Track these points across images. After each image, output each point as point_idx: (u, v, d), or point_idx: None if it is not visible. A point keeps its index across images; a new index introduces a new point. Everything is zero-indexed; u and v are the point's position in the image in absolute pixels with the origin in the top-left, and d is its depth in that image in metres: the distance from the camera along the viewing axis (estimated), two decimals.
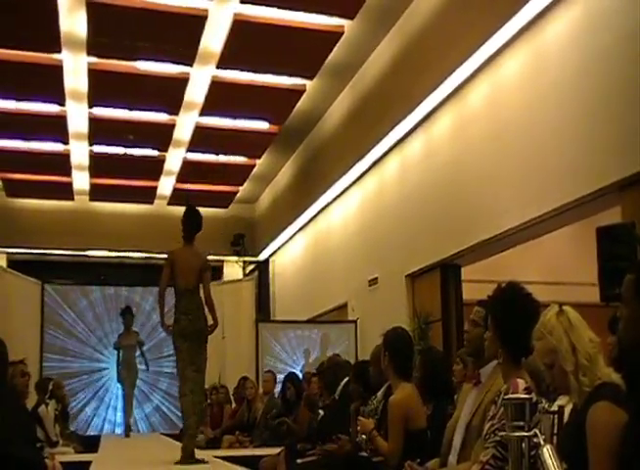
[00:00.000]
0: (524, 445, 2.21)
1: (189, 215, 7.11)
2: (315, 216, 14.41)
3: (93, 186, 15.83)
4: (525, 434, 2.20)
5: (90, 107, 12.07)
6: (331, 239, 13.66)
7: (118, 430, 12.46)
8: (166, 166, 14.93)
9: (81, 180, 15.58)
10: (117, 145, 13.82)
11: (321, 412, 7.36)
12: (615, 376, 2.72)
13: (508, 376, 3.27)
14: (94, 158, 14.27)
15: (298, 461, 6.06)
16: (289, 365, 12.30)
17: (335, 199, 13.25)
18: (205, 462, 6.05)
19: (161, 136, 13.28)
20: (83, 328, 12.84)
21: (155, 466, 6.65)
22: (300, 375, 9.86)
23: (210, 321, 6.41)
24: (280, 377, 10.07)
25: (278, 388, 9.71)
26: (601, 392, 2.66)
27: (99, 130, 12.89)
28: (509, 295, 3.39)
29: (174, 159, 14.56)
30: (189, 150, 13.98)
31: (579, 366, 2.71)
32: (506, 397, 2.31)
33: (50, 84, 11.18)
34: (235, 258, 17.53)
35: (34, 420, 8.15)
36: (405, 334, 5.05)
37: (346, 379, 6.75)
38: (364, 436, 4.76)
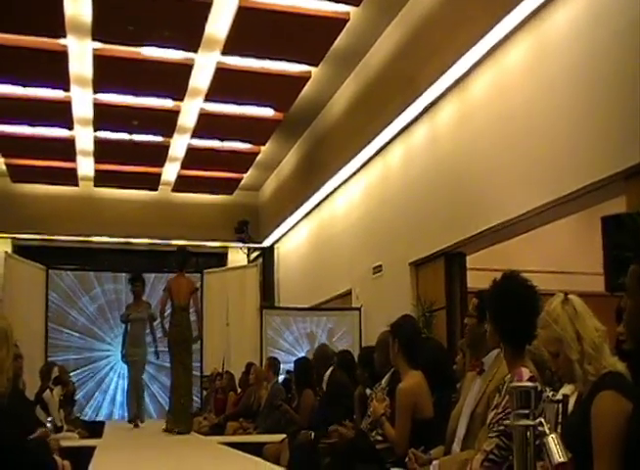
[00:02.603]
0: (528, 433, 2.21)
1: (180, 254, 8.86)
2: (319, 204, 14.41)
3: (98, 172, 15.84)
4: (530, 422, 2.20)
5: (95, 92, 12.06)
6: (335, 226, 13.67)
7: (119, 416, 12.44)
8: (171, 153, 14.92)
9: (86, 166, 15.59)
10: (122, 131, 13.82)
11: None
12: (620, 365, 2.73)
13: (512, 365, 3.28)
14: (99, 143, 14.27)
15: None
16: (294, 351, 12.33)
17: (339, 186, 13.25)
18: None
19: (166, 122, 13.27)
20: (86, 314, 12.81)
21: (160, 451, 6.69)
22: None
23: (196, 332, 8.57)
24: (285, 362, 10.14)
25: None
26: (606, 381, 2.67)
27: (103, 116, 12.89)
28: (505, 287, 3.39)
29: (179, 145, 14.56)
30: (193, 136, 13.97)
31: (585, 355, 2.72)
32: (511, 385, 2.30)
33: (55, 70, 11.17)
34: (239, 245, 17.54)
35: (37, 405, 8.21)
36: (415, 322, 5.11)
37: (331, 369, 6.78)
38: (368, 424, 4.78)
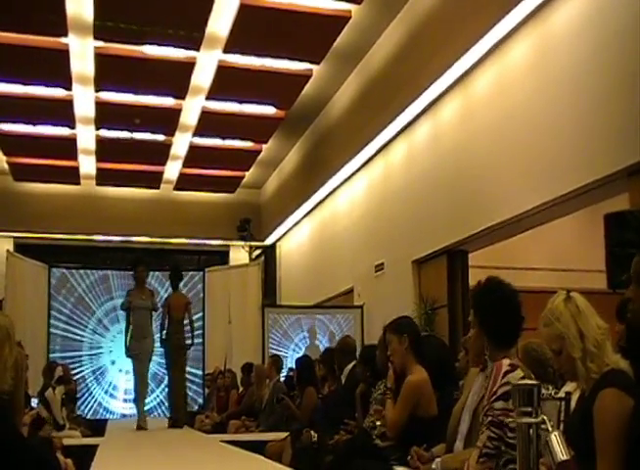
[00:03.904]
0: (531, 431, 2.21)
1: (174, 273, 9.48)
2: (321, 202, 14.40)
3: (99, 170, 15.83)
4: (534, 420, 2.20)
5: (97, 91, 12.05)
6: (337, 224, 13.66)
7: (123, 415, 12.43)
8: (173, 151, 14.92)
9: (88, 164, 15.59)
10: (124, 129, 13.81)
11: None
12: (622, 363, 2.72)
13: (494, 359, 3.37)
14: (100, 142, 14.27)
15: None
16: (296, 349, 12.34)
17: (341, 184, 13.23)
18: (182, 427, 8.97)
19: (168, 120, 13.26)
20: (87, 312, 12.79)
21: (162, 449, 6.69)
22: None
23: (189, 341, 9.18)
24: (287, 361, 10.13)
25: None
26: (608, 378, 2.66)
27: (105, 114, 12.88)
28: (489, 288, 3.47)
29: (181, 143, 14.55)
30: (195, 134, 13.97)
31: (587, 352, 2.71)
32: (514, 383, 2.30)
33: (56, 68, 11.16)
34: (241, 243, 17.55)
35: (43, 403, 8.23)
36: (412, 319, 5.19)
37: (353, 363, 6.74)
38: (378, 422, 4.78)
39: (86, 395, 12.53)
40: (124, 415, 12.27)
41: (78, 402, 12.18)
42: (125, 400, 12.55)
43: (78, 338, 12.64)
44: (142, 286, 9.06)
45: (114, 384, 12.72)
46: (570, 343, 2.74)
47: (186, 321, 9.12)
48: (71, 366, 11.80)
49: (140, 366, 8.82)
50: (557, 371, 3.19)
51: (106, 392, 12.71)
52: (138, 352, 8.75)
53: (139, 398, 8.87)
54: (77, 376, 12.16)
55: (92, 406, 12.56)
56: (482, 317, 3.44)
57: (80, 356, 12.61)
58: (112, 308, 12.70)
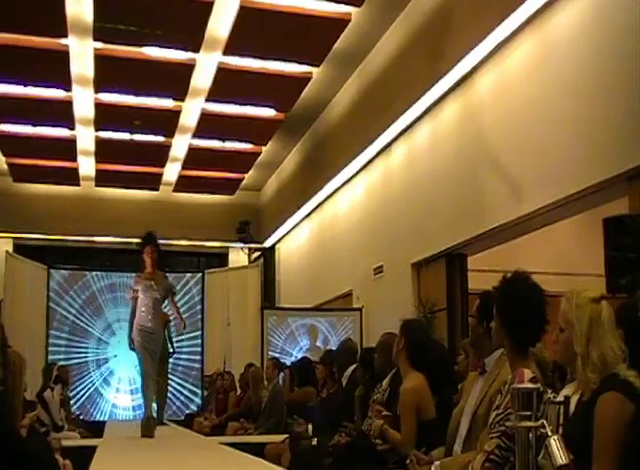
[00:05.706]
0: (531, 435, 2.20)
1: None
2: (321, 204, 14.40)
3: (99, 172, 15.83)
4: (533, 424, 2.20)
5: (96, 92, 12.05)
6: (336, 227, 13.66)
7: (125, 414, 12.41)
8: (172, 153, 14.91)
9: (87, 166, 15.59)
10: (123, 131, 13.81)
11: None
12: (629, 372, 2.69)
13: (514, 366, 3.26)
14: (100, 143, 14.26)
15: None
16: (294, 352, 12.33)
17: (341, 186, 13.23)
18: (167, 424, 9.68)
19: (168, 122, 13.26)
20: (88, 313, 12.76)
21: (161, 451, 6.68)
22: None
23: (171, 350, 10.37)
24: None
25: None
26: (609, 382, 2.65)
27: (105, 116, 12.88)
28: (514, 284, 3.34)
29: (180, 145, 14.55)
30: (195, 136, 13.96)
31: (590, 360, 2.69)
32: (514, 386, 2.29)
33: (56, 69, 11.16)
34: (240, 245, 17.54)
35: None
36: (426, 328, 5.15)
37: (354, 366, 6.74)
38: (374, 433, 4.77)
39: (98, 399, 12.50)
40: (134, 408, 12.24)
41: (91, 408, 12.29)
42: (132, 391, 12.51)
43: (82, 356, 12.61)
44: (151, 270, 7.54)
45: (118, 378, 12.70)
46: (575, 335, 2.72)
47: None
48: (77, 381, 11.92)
49: (146, 363, 7.36)
50: (555, 371, 3.18)
51: (117, 390, 12.68)
52: (144, 346, 7.31)
53: (145, 399, 7.42)
54: (86, 384, 12.26)
55: (105, 410, 12.53)
56: (504, 313, 3.32)
57: (86, 363, 12.61)
58: (106, 326, 12.73)
